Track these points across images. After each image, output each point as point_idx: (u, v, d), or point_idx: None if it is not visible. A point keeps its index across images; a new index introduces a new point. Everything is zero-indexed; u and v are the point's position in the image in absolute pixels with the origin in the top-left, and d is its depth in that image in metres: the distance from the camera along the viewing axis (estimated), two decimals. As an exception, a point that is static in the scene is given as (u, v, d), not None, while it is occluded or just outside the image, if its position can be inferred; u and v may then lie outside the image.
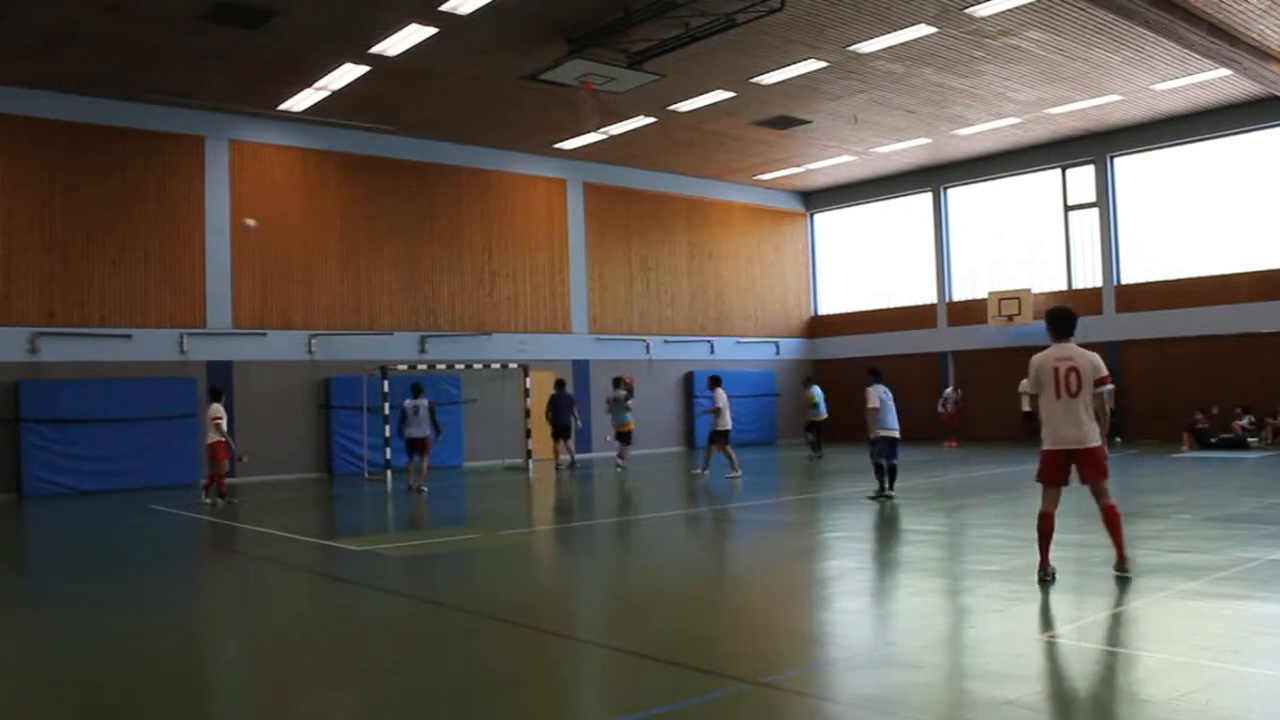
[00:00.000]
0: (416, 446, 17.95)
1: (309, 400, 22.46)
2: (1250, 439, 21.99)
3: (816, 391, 24.20)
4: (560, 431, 21.92)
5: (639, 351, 28.20)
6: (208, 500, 16.69)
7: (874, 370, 14.77)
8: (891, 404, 14.44)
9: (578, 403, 22.56)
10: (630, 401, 21.61)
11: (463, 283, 25.03)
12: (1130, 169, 25.98)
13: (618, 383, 21.81)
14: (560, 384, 22.33)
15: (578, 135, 23.99)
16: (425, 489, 17.74)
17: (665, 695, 5.51)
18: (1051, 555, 8.04)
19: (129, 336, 20.38)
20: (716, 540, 12.29)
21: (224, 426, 16.57)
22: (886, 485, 14.30)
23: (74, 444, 19.44)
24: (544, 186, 26.69)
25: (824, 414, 23.94)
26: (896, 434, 14.34)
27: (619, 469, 21.13)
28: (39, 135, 19.67)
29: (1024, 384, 8.90)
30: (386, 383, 21.29)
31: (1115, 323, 25.92)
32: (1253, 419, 22.50)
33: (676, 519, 14.23)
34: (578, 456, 23.22)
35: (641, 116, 22.81)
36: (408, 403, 18.04)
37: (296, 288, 22.55)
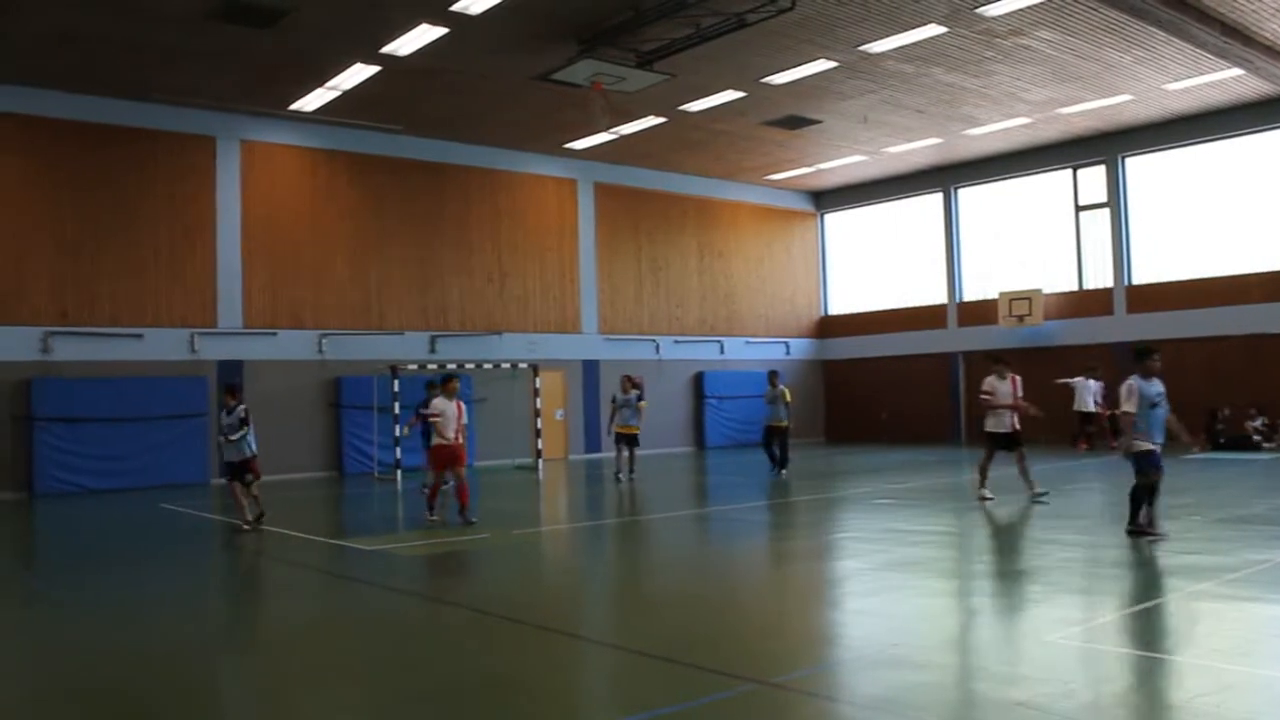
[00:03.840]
0: (239, 470, 13.43)
1: (320, 400, 22.51)
2: (1263, 441, 21.86)
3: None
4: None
5: (649, 352, 28.19)
6: (434, 518, 13.18)
7: (1142, 350, 10.61)
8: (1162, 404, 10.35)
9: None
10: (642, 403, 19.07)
11: (473, 282, 25.06)
12: (1142, 169, 25.87)
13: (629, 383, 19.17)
14: (431, 385, 17.54)
15: (588, 135, 24.00)
16: (254, 523, 13.31)
17: (673, 695, 5.51)
18: None
19: (140, 336, 20.45)
20: (724, 540, 12.28)
21: (442, 423, 12.96)
22: (1142, 516, 10.44)
23: (85, 443, 19.51)
24: (554, 186, 26.71)
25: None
26: (1153, 446, 10.22)
27: (621, 479, 18.61)
28: (50, 135, 19.74)
29: None
30: (397, 382, 21.34)
31: (1126, 323, 25.81)
32: (1265, 420, 22.38)
33: (683, 519, 14.21)
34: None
35: (652, 116, 22.80)
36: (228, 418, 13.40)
37: (307, 287, 22.60)
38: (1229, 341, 24.02)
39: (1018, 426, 13.72)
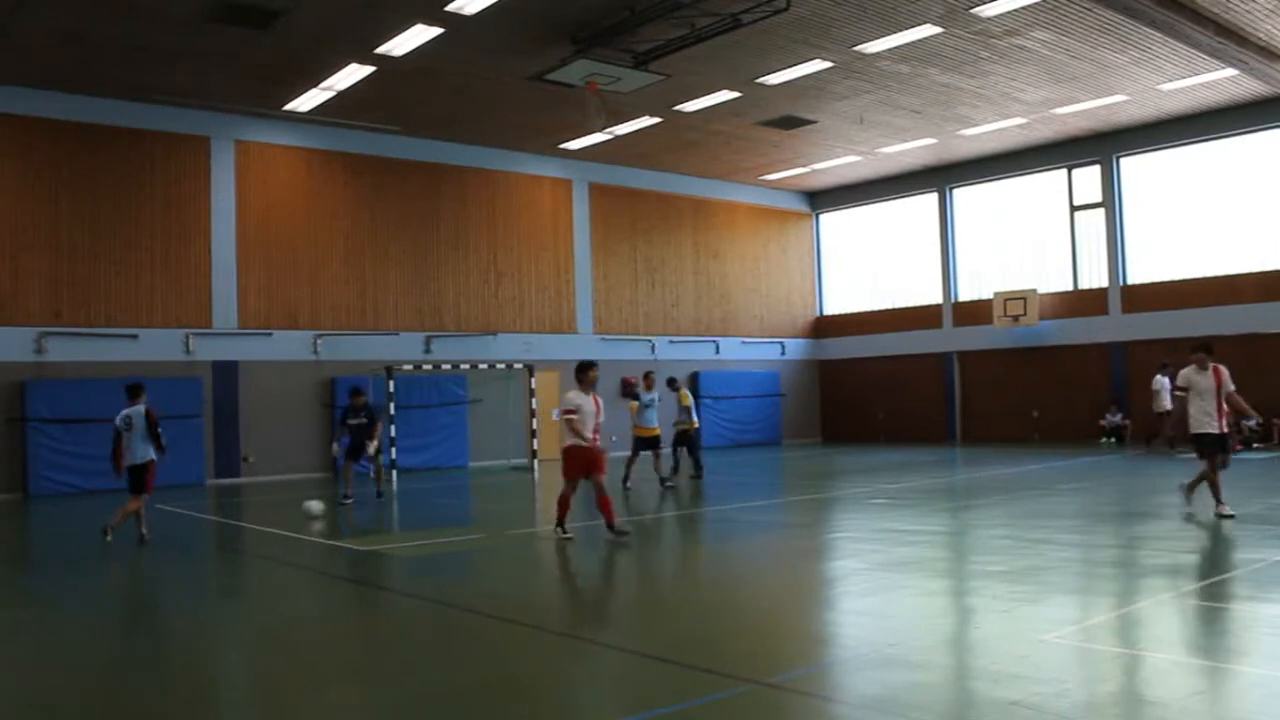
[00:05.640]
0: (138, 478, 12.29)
1: (314, 400, 22.49)
2: (1252, 442, 21.88)
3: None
4: (356, 451, 16.27)
5: (644, 352, 28.19)
6: (566, 535, 11.25)
7: None
8: None
9: (379, 416, 16.81)
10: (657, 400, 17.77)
11: (468, 283, 25.05)
12: (1136, 169, 25.92)
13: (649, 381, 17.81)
14: (357, 392, 16.68)
15: (583, 135, 23.99)
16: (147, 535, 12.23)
17: (671, 695, 5.51)
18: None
19: (135, 336, 20.42)
20: (721, 541, 12.28)
21: (579, 421, 10.94)
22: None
23: (80, 443, 19.45)
24: (549, 186, 26.70)
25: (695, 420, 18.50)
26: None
27: (672, 482, 17.13)
28: (46, 135, 19.71)
29: None
30: (392, 383, 21.33)
31: (1121, 323, 25.87)
32: (1259, 420, 22.33)
33: (681, 520, 14.21)
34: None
35: (647, 116, 22.80)
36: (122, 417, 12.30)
37: (302, 288, 22.58)
38: (1224, 341, 24.03)
39: (1225, 428, 11.53)
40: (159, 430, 12.30)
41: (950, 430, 29.34)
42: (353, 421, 16.10)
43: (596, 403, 11.10)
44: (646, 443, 17.20)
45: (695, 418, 18.33)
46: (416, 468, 22.72)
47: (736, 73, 19.95)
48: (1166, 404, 21.78)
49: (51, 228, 19.72)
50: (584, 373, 11.13)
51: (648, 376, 17.73)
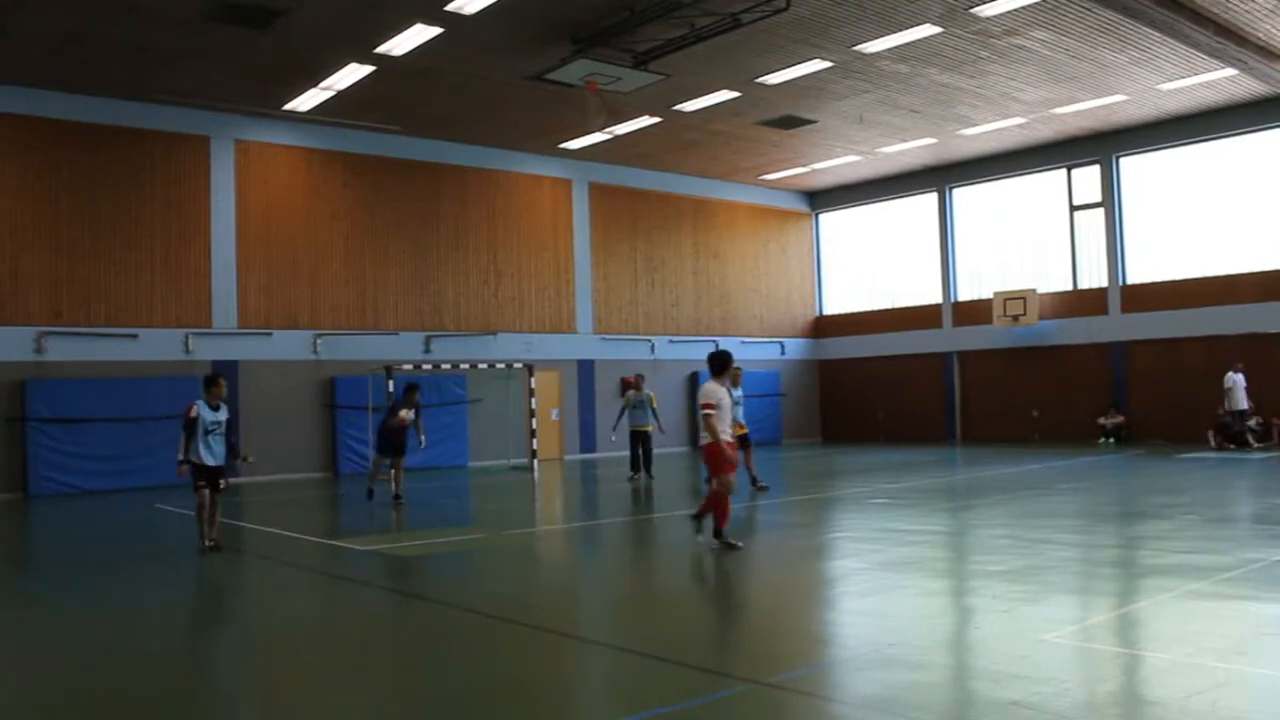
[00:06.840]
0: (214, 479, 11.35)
1: (314, 400, 22.49)
2: (1255, 440, 21.95)
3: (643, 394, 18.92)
4: (397, 449, 16.05)
5: (644, 351, 28.20)
6: (734, 544, 10.27)
7: None
8: None
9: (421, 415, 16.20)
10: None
11: (468, 282, 25.05)
12: (1136, 169, 25.92)
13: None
14: (413, 389, 15.99)
15: (583, 135, 23.99)
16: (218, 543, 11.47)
17: (670, 695, 5.51)
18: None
19: (135, 336, 20.42)
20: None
21: (717, 416, 9.87)
22: None
23: (80, 443, 19.47)
24: (549, 186, 26.70)
25: (650, 422, 18.73)
26: None
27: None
28: (46, 135, 19.70)
29: None
30: (391, 382, 21.31)
31: (1121, 323, 25.87)
32: (1259, 419, 22.42)
33: (680, 520, 14.21)
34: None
35: (647, 116, 22.80)
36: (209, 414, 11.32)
37: (302, 287, 22.58)
38: (1224, 341, 24.07)
39: None
40: (184, 431, 11.22)
41: (950, 430, 29.34)
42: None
43: (731, 396, 10.30)
44: (739, 440, 15.49)
45: (655, 421, 18.79)
46: (416, 468, 22.67)
47: (736, 73, 19.95)
48: (1242, 402, 21.70)
49: (51, 228, 19.72)
50: (725, 365, 10.22)
51: (735, 371, 16.60)
